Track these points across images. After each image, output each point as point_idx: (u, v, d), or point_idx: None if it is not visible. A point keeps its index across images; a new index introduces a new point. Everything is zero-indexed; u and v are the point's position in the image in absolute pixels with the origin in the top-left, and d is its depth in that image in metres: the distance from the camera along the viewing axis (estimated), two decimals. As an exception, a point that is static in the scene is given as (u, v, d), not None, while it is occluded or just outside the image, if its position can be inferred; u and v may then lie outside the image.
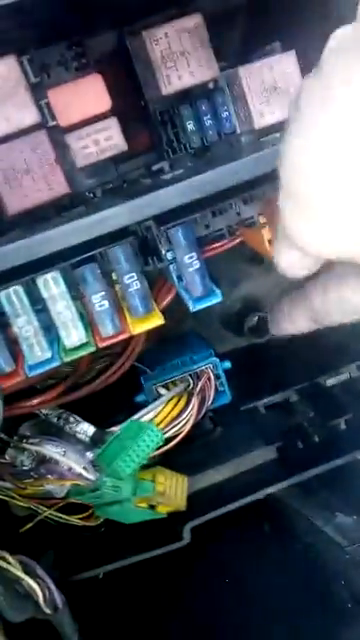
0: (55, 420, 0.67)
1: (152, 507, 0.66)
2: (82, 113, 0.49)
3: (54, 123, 0.50)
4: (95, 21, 0.52)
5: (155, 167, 0.56)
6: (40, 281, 0.47)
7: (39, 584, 0.55)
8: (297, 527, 0.66)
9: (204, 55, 0.52)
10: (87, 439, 0.66)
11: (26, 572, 0.55)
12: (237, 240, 0.52)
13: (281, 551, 0.65)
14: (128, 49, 0.53)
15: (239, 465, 0.70)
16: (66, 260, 0.46)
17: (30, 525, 0.66)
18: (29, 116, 0.48)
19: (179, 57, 0.52)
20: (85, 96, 0.49)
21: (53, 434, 0.67)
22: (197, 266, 0.47)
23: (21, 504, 0.65)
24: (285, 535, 0.66)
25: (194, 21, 0.52)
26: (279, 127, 0.54)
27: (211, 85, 0.55)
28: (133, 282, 0.47)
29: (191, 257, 0.47)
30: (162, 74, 0.52)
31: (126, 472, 0.61)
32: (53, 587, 0.56)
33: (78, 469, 0.63)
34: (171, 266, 0.48)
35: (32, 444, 0.65)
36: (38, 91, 0.49)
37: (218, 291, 0.48)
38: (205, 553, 0.65)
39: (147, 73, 0.53)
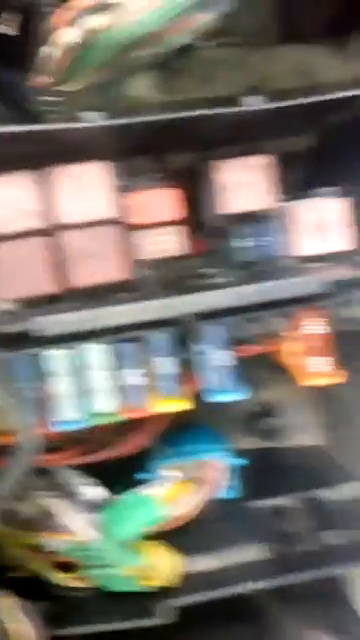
0: (60, 477, 0.71)
1: (140, 579, 0.69)
2: (154, 217, 0.57)
3: (130, 220, 0.58)
4: (180, 144, 0.62)
5: (205, 271, 0.64)
6: (89, 349, 0.54)
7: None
8: (272, 631, 0.69)
9: (265, 189, 0.61)
10: (89, 501, 0.70)
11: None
12: (264, 347, 0.59)
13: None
14: (201, 171, 0.62)
15: (231, 556, 0.74)
16: (115, 334, 0.53)
17: (19, 574, 0.69)
18: (111, 211, 0.57)
19: (241, 186, 0.61)
20: (159, 203, 0.58)
21: (57, 489, 0.70)
22: (227, 363, 0.54)
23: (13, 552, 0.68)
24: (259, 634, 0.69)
25: (263, 161, 0.61)
26: (317, 259, 0.62)
27: (267, 210, 0.63)
28: (168, 366, 0.54)
29: (222, 354, 0.54)
30: (223, 197, 0.61)
31: (121, 540, 0.64)
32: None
33: (76, 527, 0.67)
34: (204, 357, 0.55)
35: (35, 496, 0.68)
36: (122, 192, 0.58)
37: (242, 389, 0.55)
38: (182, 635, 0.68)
39: (211, 194, 0.62)
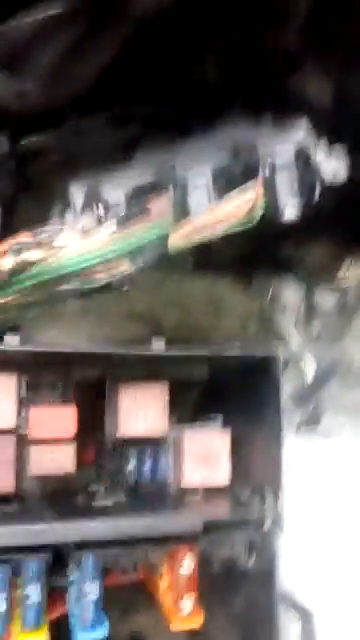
0: None
1: None
2: (51, 433, 0.60)
3: (25, 433, 0.60)
4: (84, 365, 0.66)
5: (92, 488, 0.66)
6: None
7: None
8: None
9: (158, 414, 0.65)
10: None
11: None
12: (138, 577, 0.60)
13: None
14: (102, 391, 0.66)
15: None
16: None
17: None
18: (9, 422, 0.59)
19: (137, 410, 0.65)
20: (58, 420, 0.60)
21: None
22: (95, 597, 0.54)
23: None
24: None
25: (159, 388, 0.65)
26: (198, 491, 0.65)
27: (158, 437, 0.67)
28: (34, 594, 0.54)
29: (92, 585, 0.54)
30: (119, 419, 0.64)
31: None
32: None
33: None
34: (72, 588, 0.55)
35: None
36: (24, 404, 0.60)
37: (106, 624, 0.54)
38: None
39: (112, 414, 0.65)
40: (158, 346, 0.60)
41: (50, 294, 0.61)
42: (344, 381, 0.93)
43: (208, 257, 0.89)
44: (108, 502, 0.62)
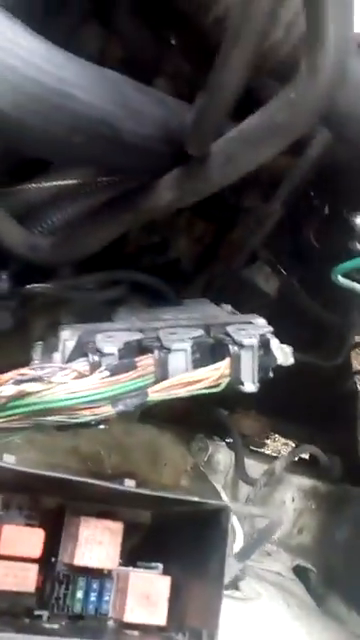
0: None
1: None
2: (18, 550, 0.65)
3: (-7, 548, 0.65)
4: (51, 491, 0.72)
5: (37, 612, 0.69)
6: None
7: None
8: None
9: (112, 551, 0.71)
10: None
11: None
12: None
13: None
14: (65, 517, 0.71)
15: None
16: None
17: None
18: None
19: (96, 544, 0.71)
20: (25, 540, 0.65)
21: None
22: None
23: None
24: None
25: (117, 526, 0.72)
26: (140, 627, 0.70)
27: (106, 571, 0.72)
28: None
29: None
30: (80, 549, 0.70)
31: None
32: None
33: None
34: None
35: None
36: (-3, 520, 0.66)
37: None
38: None
39: (69, 542, 0.71)
40: (128, 483, 0.67)
41: (35, 423, 0.68)
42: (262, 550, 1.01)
43: (155, 410, 0.99)
44: (54, 626, 0.66)
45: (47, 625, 0.67)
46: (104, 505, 0.75)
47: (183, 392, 0.71)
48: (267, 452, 1.47)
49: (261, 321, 0.83)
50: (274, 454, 1.51)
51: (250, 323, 0.81)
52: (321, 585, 1.05)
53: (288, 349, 0.79)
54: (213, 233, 1.08)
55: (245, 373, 0.75)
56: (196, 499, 0.69)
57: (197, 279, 1.07)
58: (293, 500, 1.11)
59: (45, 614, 0.69)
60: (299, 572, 1.06)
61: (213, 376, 0.72)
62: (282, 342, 1.14)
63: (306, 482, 1.13)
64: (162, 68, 0.91)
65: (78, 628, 0.69)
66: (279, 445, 1.82)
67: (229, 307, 0.93)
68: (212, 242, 1.09)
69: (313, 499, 1.12)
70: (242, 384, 0.75)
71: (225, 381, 0.73)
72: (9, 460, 0.63)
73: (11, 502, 0.70)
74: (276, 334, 0.84)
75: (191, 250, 1.06)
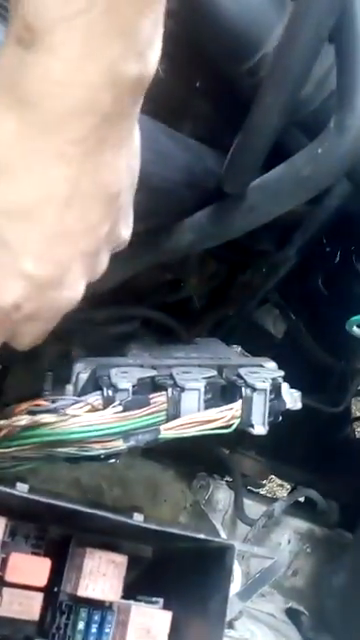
0: None
1: None
2: (25, 579, 0.65)
3: (1, 573, 0.66)
4: (58, 520, 0.73)
5: (37, 641, 0.70)
6: None
7: None
8: None
9: (116, 583, 0.72)
10: None
11: None
12: None
13: None
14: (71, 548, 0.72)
15: None
16: None
17: None
18: (-11, 560, 0.65)
19: (100, 576, 0.71)
20: (32, 569, 0.66)
21: None
22: None
23: None
24: None
25: (121, 559, 0.73)
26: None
27: (108, 603, 0.73)
28: None
29: None
30: (84, 580, 0.70)
31: None
32: None
33: None
34: None
35: None
36: (5, 548, 0.66)
37: None
38: None
39: (73, 572, 0.71)
40: (137, 517, 0.68)
41: (45, 454, 0.70)
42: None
43: (158, 446, 1.00)
44: None
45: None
46: (108, 537, 0.76)
47: (194, 431, 0.73)
48: (262, 492, 1.48)
49: (272, 364, 0.84)
50: (269, 495, 1.51)
51: (261, 366, 0.82)
52: (313, 629, 1.05)
53: (297, 394, 0.80)
54: (225, 274, 1.10)
55: (256, 416, 0.76)
56: (202, 536, 0.70)
57: (206, 318, 1.09)
58: (289, 542, 1.11)
59: (44, 644, 0.70)
60: (291, 614, 1.06)
61: (225, 417, 0.74)
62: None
63: (302, 525, 1.13)
64: (187, 111, 0.94)
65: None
66: (274, 486, 1.82)
67: (239, 348, 0.94)
68: (223, 282, 1.11)
69: (308, 542, 1.13)
70: (252, 426, 0.76)
71: (236, 422, 0.74)
72: (22, 489, 0.64)
73: (18, 530, 0.70)
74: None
75: (202, 289, 1.08)
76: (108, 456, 0.71)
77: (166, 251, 0.81)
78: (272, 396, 0.78)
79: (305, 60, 0.57)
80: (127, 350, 0.89)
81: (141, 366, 0.80)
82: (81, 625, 0.71)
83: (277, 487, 1.81)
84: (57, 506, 0.66)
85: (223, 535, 1.00)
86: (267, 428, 0.77)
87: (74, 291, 0.51)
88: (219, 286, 1.11)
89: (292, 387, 0.95)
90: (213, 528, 1.00)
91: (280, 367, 0.83)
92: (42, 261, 0.46)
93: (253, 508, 1.08)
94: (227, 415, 0.74)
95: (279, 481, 1.74)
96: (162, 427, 0.72)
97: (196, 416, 0.73)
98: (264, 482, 1.58)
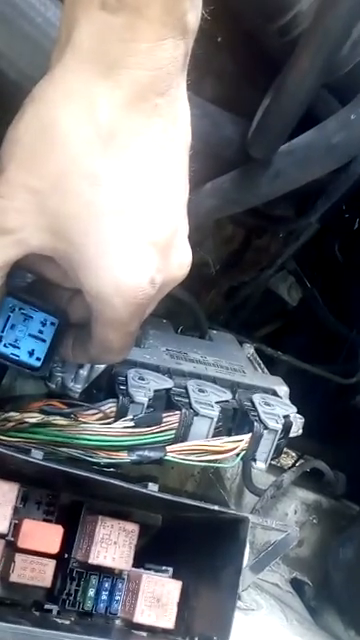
0: None
1: None
2: (37, 545, 0.65)
3: (13, 539, 0.65)
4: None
5: (47, 606, 0.69)
6: None
7: None
8: None
9: (127, 552, 0.71)
10: None
11: None
12: None
13: None
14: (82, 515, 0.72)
15: None
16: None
17: None
18: (1, 526, 0.64)
19: (111, 544, 0.71)
20: (45, 536, 0.65)
21: None
22: None
23: None
24: None
25: (132, 527, 0.72)
26: (148, 629, 0.70)
27: (119, 571, 0.72)
28: None
29: None
30: (95, 547, 0.70)
31: None
32: None
33: None
34: None
35: None
36: (17, 514, 0.65)
37: None
38: None
39: (85, 540, 0.71)
40: (152, 487, 0.68)
41: (49, 450, 0.69)
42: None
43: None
44: (65, 621, 0.66)
45: (56, 620, 0.67)
46: (119, 505, 0.75)
47: (197, 460, 0.73)
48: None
49: (284, 390, 0.84)
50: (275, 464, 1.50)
51: (275, 393, 0.81)
52: (315, 599, 1.05)
53: (300, 421, 0.80)
54: (241, 238, 1.08)
55: (261, 453, 0.76)
56: (217, 507, 0.69)
57: (221, 283, 1.07)
58: (295, 512, 1.11)
59: (55, 609, 0.69)
60: (295, 585, 1.06)
61: (232, 448, 0.74)
62: (296, 353, 1.15)
63: (309, 496, 1.13)
64: (209, 67, 0.90)
65: (87, 625, 0.69)
66: (279, 454, 1.82)
67: (252, 350, 0.93)
68: (239, 247, 1.09)
69: (315, 513, 1.12)
70: (255, 461, 0.76)
71: (241, 454, 0.74)
72: (37, 456, 0.63)
73: (30, 496, 0.70)
74: (291, 344, 0.83)
75: (218, 252, 1.06)
76: (110, 465, 0.71)
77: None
78: (281, 435, 0.77)
79: (348, 19, 0.54)
80: (144, 340, 0.86)
81: (157, 368, 0.79)
82: (91, 592, 0.70)
83: (282, 455, 1.80)
84: (70, 473, 0.65)
85: (230, 505, 0.99)
86: (267, 466, 0.77)
87: (187, 253, 0.52)
88: (235, 250, 1.08)
89: (303, 355, 0.93)
90: (222, 498, 0.99)
91: (292, 336, 0.81)
92: (159, 223, 0.47)
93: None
94: (234, 446, 0.74)
95: (285, 450, 1.74)
96: (168, 448, 0.71)
97: (204, 443, 0.73)
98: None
